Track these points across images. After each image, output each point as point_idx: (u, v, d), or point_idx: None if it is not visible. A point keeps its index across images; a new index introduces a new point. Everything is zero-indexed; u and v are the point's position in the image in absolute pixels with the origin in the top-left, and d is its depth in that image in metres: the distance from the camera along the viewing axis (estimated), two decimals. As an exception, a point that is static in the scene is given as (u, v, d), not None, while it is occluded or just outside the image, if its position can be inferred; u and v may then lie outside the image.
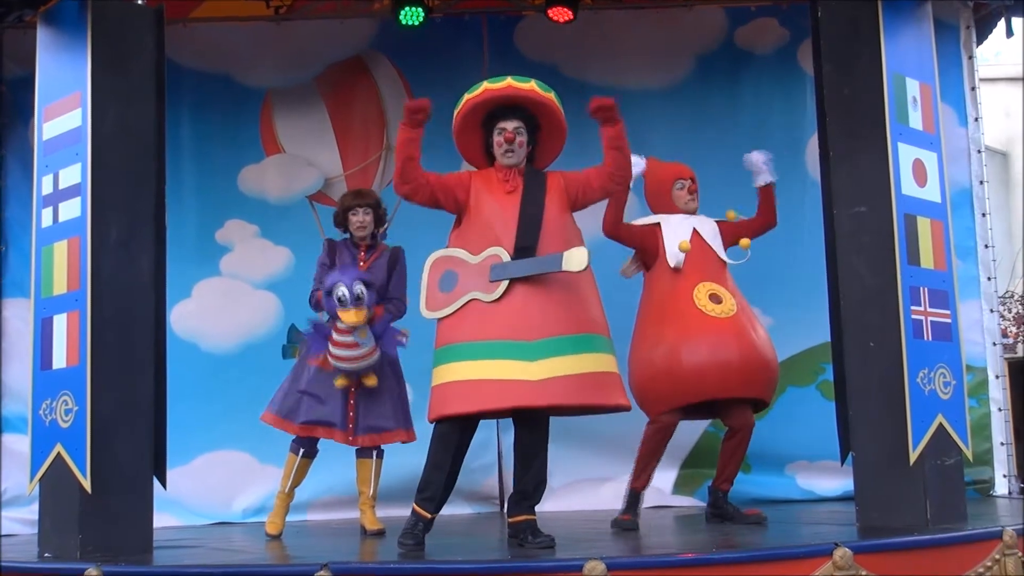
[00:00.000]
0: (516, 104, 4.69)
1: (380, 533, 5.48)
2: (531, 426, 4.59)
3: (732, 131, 7.15)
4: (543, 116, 4.73)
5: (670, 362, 5.29)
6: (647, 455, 5.43)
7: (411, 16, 6.75)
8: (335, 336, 5.35)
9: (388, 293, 5.65)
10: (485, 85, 4.74)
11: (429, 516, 4.52)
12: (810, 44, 5.31)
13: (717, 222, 5.62)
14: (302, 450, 5.64)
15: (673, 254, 5.43)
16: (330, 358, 5.42)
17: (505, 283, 4.45)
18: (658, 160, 5.72)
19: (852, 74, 4.95)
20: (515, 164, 4.69)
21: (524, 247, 4.50)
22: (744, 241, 5.52)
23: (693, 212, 5.61)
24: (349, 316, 5.27)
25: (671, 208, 5.62)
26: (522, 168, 4.72)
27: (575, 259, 4.43)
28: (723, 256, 5.51)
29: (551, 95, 4.73)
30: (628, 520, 5.36)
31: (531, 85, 4.70)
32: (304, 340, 5.59)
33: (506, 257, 4.48)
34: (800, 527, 5.41)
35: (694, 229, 5.52)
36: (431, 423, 4.59)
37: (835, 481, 6.56)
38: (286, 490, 5.70)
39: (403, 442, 5.63)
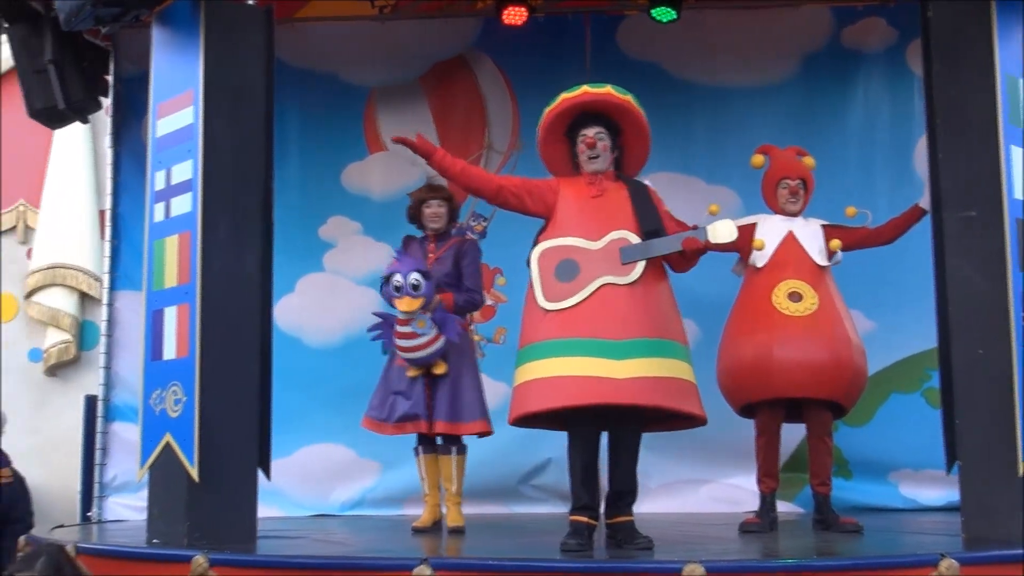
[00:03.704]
0: (596, 110, 4.68)
1: (459, 531, 5.49)
2: (624, 427, 4.55)
3: (839, 131, 7.07)
4: (624, 120, 4.69)
5: (736, 358, 5.36)
6: (757, 456, 5.48)
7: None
8: (397, 327, 5.37)
9: (462, 285, 5.64)
10: (563, 96, 4.73)
11: (584, 521, 4.45)
12: (919, 44, 5.21)
13: (826, 226, 5.51)
14: (420, 448, 5.70)
15: (755, 252, 5.40)
16: (395, 349, 5.46)
17: (642, 264, 4.41)
18: (780, 151, 5.61)
19: (963, 75, 4.82)
20: (600, 169, 4.67)
21: (652, 230, 4.49)
22: (834, 243, 5.39)
23: (794, 214, 5.52)
24: (403, 304, 5.28)
25: (775, 206, 5.57)
26: (608, 173, 4.70)
27: (722, 230, 4.37)
28: (818, 260, 5.38)
29: (628, 97, 4.67)
30: (752, 523, 5.35)
31: (607, 89, 4.67)
32: (377, 333, 5.58)
33: (634, 239, 4.46)
34: (903, 536, 5.32)
35: (789, 232, 5.44)
36: (512, 423, 4.59)
37: (939, 491, 6.43)
38: (425, 492, 5.72)
39: (479, 434, 5.59)
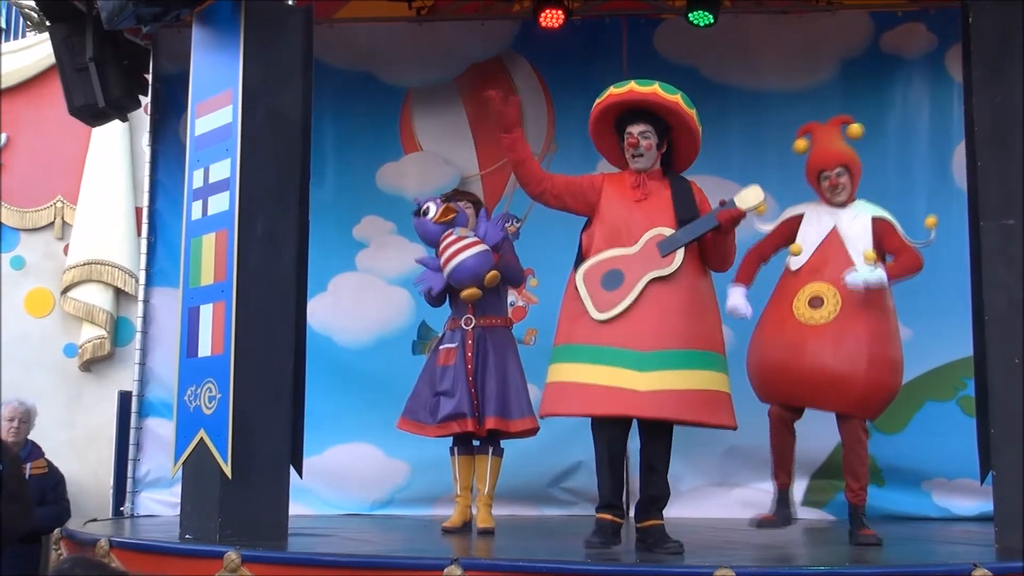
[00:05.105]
0: (643, 107, 4.67)
1: (488, 532, 5.48)
2: (653, 433, 4.56)
3: (877, 137, 6.98)
4: (672, 119, 4.68)
5: (753, 357, 5.24)
6: (772, 449, 5.31)
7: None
8: (442, 246, 5.42)
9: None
10: (611, 90, 4.74)
11: (609, 519, 4.49)
12: (959, 49, 5.17)
13: (876, 220, 5.19)
14: (455, 449, 5.67)
15: (791, 257, 5.22)
16: (446, 270, 5.42)
17: (682, 252, 4.46)
18: (821, 133, 5.32)
19: (1004, 81, 4.79)
20: (644, 168, 4.68)
21: (687, 219, 4.53)
22: (868, 253, 5.08)
23: (841, 204, 5.24)
24: (441, 213, 5.44)
25: (822, 196, 5.31)
26: (653, 172, 4.70)
27: (749, 196, 4.43)
28: (856, 261, 5.07)
29: (677, 97, 4.65)
30: (766, 520, 5.26)
31: (654, 88, 4.65)
32: (422, 282, 5.66)
33: (669, 232, 4.49)
34: (935, 546, 5.28)
35: (834, 228, 5.20)
36: (542, 418, 4.72)
37: (973, 501, 6.36)
38: (457, 492, 5.69)
39: (528, 431, 5.54)
